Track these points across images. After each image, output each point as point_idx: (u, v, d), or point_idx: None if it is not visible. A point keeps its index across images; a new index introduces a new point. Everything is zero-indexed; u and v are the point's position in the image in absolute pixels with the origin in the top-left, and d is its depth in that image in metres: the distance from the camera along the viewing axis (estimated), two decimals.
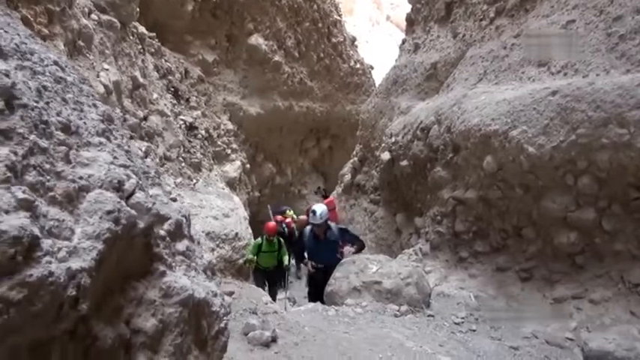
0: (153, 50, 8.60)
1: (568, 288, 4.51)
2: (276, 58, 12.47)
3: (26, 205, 0.98)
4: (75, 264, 1.03)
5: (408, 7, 10.09)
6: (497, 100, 4.94)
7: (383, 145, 8.22)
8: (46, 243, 0.98)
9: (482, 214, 5.34)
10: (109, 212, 1.20)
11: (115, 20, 6.84)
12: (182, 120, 8.62)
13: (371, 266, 5.23)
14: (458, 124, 5.46)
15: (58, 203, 1.11)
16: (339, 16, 15.48)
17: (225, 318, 1.63)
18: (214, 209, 6.74)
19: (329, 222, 5.95)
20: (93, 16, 6.03)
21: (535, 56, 4.98)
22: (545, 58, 4.83)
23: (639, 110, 3.67)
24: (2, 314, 0.86)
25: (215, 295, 1.58)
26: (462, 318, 4.78)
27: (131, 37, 7.52)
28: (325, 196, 6.41)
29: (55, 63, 1.19)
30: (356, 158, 10.50)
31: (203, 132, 9.43)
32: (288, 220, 9.21)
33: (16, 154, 1.01)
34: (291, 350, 3.57)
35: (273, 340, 3.62)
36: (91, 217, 1.16)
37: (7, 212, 0.91)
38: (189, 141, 8.52)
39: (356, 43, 16.61)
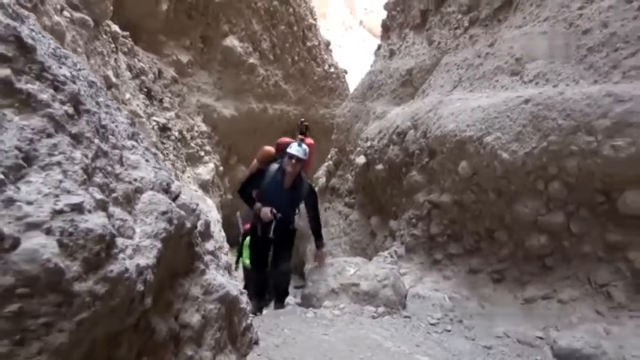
0: (126, 49, 8.45)
1: (538, 289, 4.67)
2: (251, 60, 12.44)
3: (102, 206, 1.02)
4: (141, 261, 1.08)
5: (382, 13, 10.26)
6: (472, 107, 5.09)
7: (358, 149, 8.32)
8: (119, 241, 1.03)
9: (456, 217, 5.49)
10: (163, 213, 1.26)
11: (88, 18, 6.70)
12: (155, 121, 8.49)
13: (348, 269, 5.28)
14: (434, 129, 5.60)
15: (120, 204, 1.15)
16: (314, 20, 15.57)
17: (250, 315, 1.69)
18: None
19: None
20: (65, 13, 5.89)
21: (508, 65, 5.16)
22: (518, 68, 5.01)
23: (606, 119, 3.86)
24: (90, 307, 0.91)
25: (241, 292, 1.64)
26: (438, 319, 4.89)
27: (104, 36, 7.37)
28: (304, 134, 4.83)
29: (84, 67, 1.20)
30: (331, 162, 10.57)
31: (176, 133, 9.32)
32: None
33: (87, 157, 1.05)
34: (273, 352, 3.57)
35: (255, 342, 3.61)
36: (147, 218, 1.21)
37: (89, 212, 0.96)
38: (162, 142, 8.40)
39: (330, 47, 16.74)
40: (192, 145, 10.22)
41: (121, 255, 1.02)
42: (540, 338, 4.29)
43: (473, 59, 5.93)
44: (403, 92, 7.94)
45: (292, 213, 4.85)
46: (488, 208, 5.07)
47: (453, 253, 5.59)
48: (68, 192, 0.93)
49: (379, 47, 9.91)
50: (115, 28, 7.84)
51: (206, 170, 10.40)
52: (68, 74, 1.09)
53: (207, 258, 1.54)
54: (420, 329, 4.67)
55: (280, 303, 5.31)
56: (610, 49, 4.09)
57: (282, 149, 4.75)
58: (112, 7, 7.32)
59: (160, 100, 9.42)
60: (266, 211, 4.61)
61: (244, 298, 1.73)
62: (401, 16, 8.87)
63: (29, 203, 0.86)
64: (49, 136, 0.96)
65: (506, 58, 5.23)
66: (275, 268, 5.15)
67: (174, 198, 1.44)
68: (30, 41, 1.00)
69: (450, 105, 5.54)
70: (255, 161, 5.07)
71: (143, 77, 8.87)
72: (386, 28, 9.64)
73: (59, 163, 0.95)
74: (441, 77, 6.52)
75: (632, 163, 3.74)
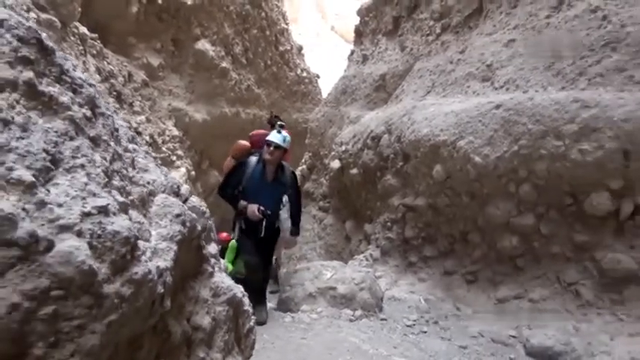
0: (95, 52, 8.23)
1: (510, 289, 4.79)
2: (224, 64, 12.33)
3: (124, 208, 1.03)
4: (160, 263, 1.09)
5: (353, 19, 10.37)
6: (445, 111, 5.20)
7: (333, 153, 8.36)
8: (141, 244, 1.04)
9: (430, 220, 5.58)
10: (177, 215, 1.27)
11: (55, 19, 6.52)
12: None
13: (325, 272, 5.29)
14: (408, 134, 5.68)
15: (136, 207, 1.15)
16: (287, 24, 15.59)
17: (253, 317, 1.72)
18: None
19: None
20: (32, 14, 5.74)
21: (479, 71, 5.30)
22: (489, 74, 5.15)
23: (573, 124, 4.01)
24: (118, 309, 0.92)
25: (244, 295, 1.66)
26: (414, 320, 4.95)
27: (72, 38, 7.19)
28: (273, 125, 4.60)
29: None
30: (304, 166, 10.58)
31: (147, 138, 9.14)
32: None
33: (105, 159, 1.06)
34: (252, 357, 3.54)
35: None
36: (162, 220, 1.22)
37: (114, 214, 0.97)
38: None
39: (302, 51, 16.79)
40: (164, 149, 10.04)
41: (144, 257, 1.03)
42: (513, 337, 4.39)
43: (445, 65, 6.07)
44: (377, 97, 8.03)
45: (278, 208, 4.56)
46: (462, 211, 5.18)
47: (428, 256, 5.68)
48: (94, 194, 0.94)
49: (352, 52, 10.00)
50: (84, 29, 7.65)
51: (178, 175, 10.23)
52: (83, 77, 1.09)
53: (213, 261, 1.55)
54: (397, 331, 4.71)
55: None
56: (576, 57, 4.26)
57: (257, 141, 4.55)
58: (79, 9, 7.15)
59: (130, 104, 9.22)
60: (253, 210, 4.23)
61: (247, 300, 1.75)
62: (373, 22, 8.99)
63: (60, 206, 0.86)
64: (72, 138, 0.97)
65: (477, 64, 5.38)
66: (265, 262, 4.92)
67: (185, 200, 1.44)
68: (50, 44, 1.00)
69: (423, 110, 5.64)
70: (229, 158, 4.78)
71: (112, 80, 8.66)
72: (359, 33, 9.74)
73: (82, 166, 0.96)
74: (414, 83, 6.64)
75: (598, 167, 3.89)
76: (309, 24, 31.90)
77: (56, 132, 0.93)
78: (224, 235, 7.03)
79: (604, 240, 4.10)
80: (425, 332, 4.75)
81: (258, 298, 4.35)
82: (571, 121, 4.01)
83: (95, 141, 1.06)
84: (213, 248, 1.60)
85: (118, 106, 8.56)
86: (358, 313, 4.91)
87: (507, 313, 4.66)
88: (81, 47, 7.46)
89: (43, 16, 6.14)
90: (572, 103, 4.03)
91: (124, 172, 1.17)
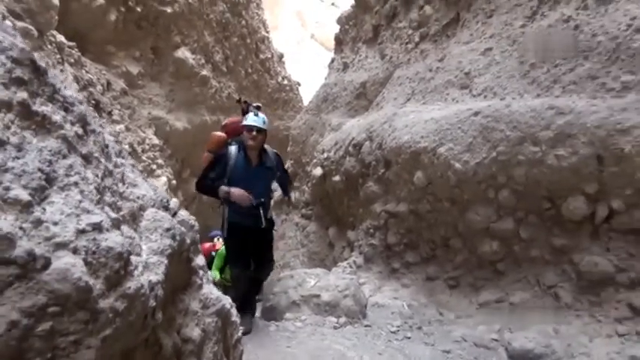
0: (72, 60, 8.14)
1: (491, 293, 4.88)
2: (204, 72, 12.30)
3: (117, 224, 1.06)
4: (152, 277, 1.12)
5: (333, 27, 10.47)
6: (425, 119, 5.29)
7: (315, 160, 8.39)
8: (133, 258, 1.06)
9: (412, 226, 5.64)
10: (167, 229, 1.31)
11: (32, 28, 6.44)
12: None
13: (309, 280, 5.30)
14: (389, 140, 5.76)
15: (127, 222, 1.17)
16: (267, 32, 15.65)
17: (240, 327, 1.74)
18: None
19: None
20: (7, 22, 5.64)
21: (457, 79, 5.41)
22: (467, 82, 5.27)
23: (549, 131, 4.13)
24: (112, 323, 0.95)
25: (232, 306, 1.68)
26: (398, 326, 4.98)
27: (49, 46, 7.10)
28: (246, 111, 4.40)
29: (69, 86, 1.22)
30: None
31: (127, 147, 9.04)
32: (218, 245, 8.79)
33: (97, 176, 1.09)
34: None
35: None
36: (152, 235, 1.25)
37: (107, 230, 0.99)
38: None
39: (283, 59, 16.86)
40: (144, 158, 9.95)
41: (136, 272, 1.05)
42: (495, 340, 4.46)
43: (424, 73, 6.17)
44: (358, 104, 8.11)
45: (269, 195, 4.30)
46: (443, 217, 5.26)
47: (411, 262, 5.74)
48: (88, 211, 0.96)
49: (333, 60, 10.09)
50: (61, 38, 7.56)
51: (158, 184, 10.13)
52: (74, 95, 1.11)
53: (201, 272, 1.57)
54: (381, 337, 4.74)
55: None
56: (550, 65, 4.39)
57: (233, 130, 4.38)
58: (57, 17, 7.06)
59: (109, 113, 9.12)
60: (241, 193, 3.89)
61: (234, 311, 1.79)
62: (353, 30, 9.09)
63: (55, 224, 0.89)
64: (65, 157, 0.99)
65: (455, 72, 5.49)
66: (257, 270, 4.53)
67: (174, 214, 1.48)
68: (42, 64, 1.03)
69: (404, 117, 5.72)
70: (206, 154, 4.47)
71: (91, 89, 8.57)
72: (339, 41, 9.84)
73: (76, 184, 0.98)
74: (395, 90, 6.73)
75: (573, 172, 4.01)
76: (289, 32, 32.02)
77: (50, 151, 0.95)
78: (206, 246, 6.98)
79: (581, 243, 4.21)
80: (409, 338, 4.79)
81: (244, 306, 4.24)
82: (547, 127, 4.12)
83: (87, 158, 1.08)
84: (200, 260, 1.63)
85: (96, 114, 8.46)
86: (342, 320, 4.93)
87: (489, 316, 4.74)
88: (58, 56, 7.36)
89: (20, 24, 6.06)
90: (547, 110, 4.14)
91: (115, 187, 1.19)
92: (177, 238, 1.34)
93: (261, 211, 4.07)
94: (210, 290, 1.59)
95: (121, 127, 9.31)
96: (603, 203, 3.97)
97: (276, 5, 30.03)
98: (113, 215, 1.05)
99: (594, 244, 4.10)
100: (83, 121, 1.13)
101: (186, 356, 1.38)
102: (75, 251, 0.89)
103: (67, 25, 8.48)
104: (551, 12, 4.68)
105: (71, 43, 7.94)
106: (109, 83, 9.66)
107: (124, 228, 1.11)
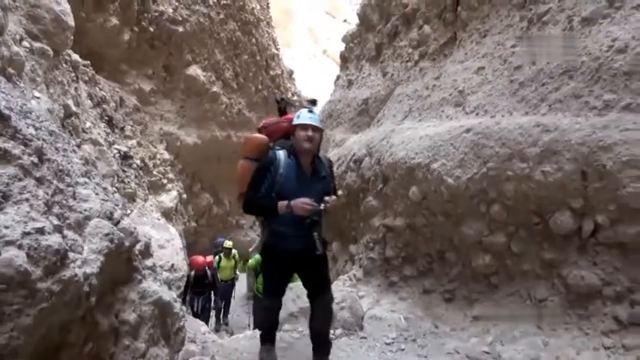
0: (87, 78, 8.49)
1: (485, 306, 4.95)
2: (214, 88, 12.65)
3: (58, 229, 1.40)
4: (87, 270, 1.47)
5: (343, 43, 10.72)
6: (420, 135, 5.44)
7: None
8: (71, 255, 1.40)
9: (409, 240, 5.76)
10: (106, 234, 1.67)
11: (48, 48, 6.75)
12: (116, 149, 8.51)
13: None
14: (387, 156, 5.92)
15: (72, 228, 1.52)
16: (277, 49, 16.00)
17: (183, 319, 2.07)
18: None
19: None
20: (25, 43, 5.96)
21: (452, 97, 5.57)
22: (461, 100, 5.42)
23: (536, 147, 4.24)
24: (48, 300, 1.27)
25: (175, 300, 2.07)
26: (393, 338, 5.07)
27: (64, 65, 7.43)
28: (283, 111, 3.76)
29: (45, 118, 1.53)
30: None
31: (138, 161, 9.34)
32: (209, 259, 8.85)
33: (47, 194, 1.42)
34: None
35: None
36: (94, 238, 1.61)
37: (49, 233, 1.32)
38: (124, 170, 8.41)
39: (293, 76, 17.19)
40: (155, 172, 10.24)
41: (72, 265, 1.38)
42: (487, 353, 4.52)
43: (422, 91, 6.34)
44: (360, 121, 8.31)
45: (321, 199, 3.14)
46: (438, 231, 5.37)
47: (408, 275, 5.84)
48: (33, 219, 1.30)
49: (338, 77, 10.33)
50: (76, 57, 7.90)
51: (169, 198, 10.40)
52: (33, 132, 1.47)
53: (146, 272, 1.89)
54: (376, 349, 4.83)
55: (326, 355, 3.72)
56: (538, 84, 4.53)
57: (276, 130, 3.58)
58: (72, 37, 7.40)
59: (122, 128, 9.46)
60: (304, 202, 2.99)
61: (177, 305, 2.17)
62: (358, 48, 9.33)
63: (6, 227, 1.21)
64: (20, 180, 1.33)
65: (450, 90, 5.65)
66: (316, 297, 3.60)
67: (116, 223, 1.83)
68: (7, 112, 1.37)
69: (401, 134, 5.88)
70: (243, 162, 3.55)
71: (104, 106, 8.91)
72: (344, 59, 10.09)
73: (27, 200, 1.32)
74: (394, 107, 6.91)
75: (559, 187, 4.11)
76: (302, 48, 32.56)
77: (8, 175, 1.29)
78: (200, 260, 7.16)
79: (569, 257, 4.28)
80: (403, 350, 4.87)
81: (266, 337, 3.77)
82: (534, 144, 4.24)
83: (40, 180, 1.42)
84: (150, 262, 1.99)
85: (109, 130, 8.78)
86: (338, 331, 5.04)
87: (482, 329, 4.80)
88: (73, 74, 7.69)
89: (36, 44, 6.37)
90: (534, 127, 4.26)
91: (65, 202, 1.53)
92: (116, 241, 1.69)
93: (315, 234, 3.24)
94: (150, 285, 1.96)
95: (133, 142, 9.63)
96: (589, 218, 4.05)
97: (289, 22, 30.62)
98: (56, 222, 1.37)
99: (582, 258, 4.17)
100: (39, 153, 1.46)
101: (122, 335, 1.73)
102: (20, 247, 1.20)
103: (82, 44, 8.87)
104: (540, 33, 4.83)
105: (86, 62, 8.29)
106: (122, 100, 10.03)
107: (69, 232, 1.45)
